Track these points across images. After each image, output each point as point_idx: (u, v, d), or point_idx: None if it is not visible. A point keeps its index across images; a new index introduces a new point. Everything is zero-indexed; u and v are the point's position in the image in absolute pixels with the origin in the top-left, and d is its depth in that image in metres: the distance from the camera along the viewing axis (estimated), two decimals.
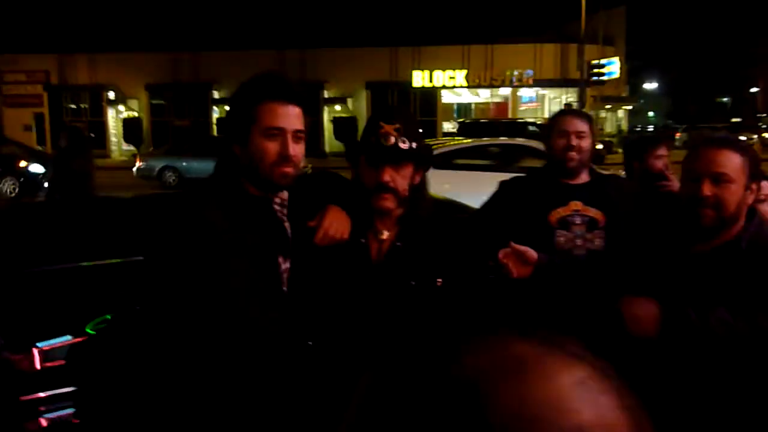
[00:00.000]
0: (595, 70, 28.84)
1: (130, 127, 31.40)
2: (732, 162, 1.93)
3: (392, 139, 1.95)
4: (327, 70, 30.80)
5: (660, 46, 46.95)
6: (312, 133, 1.99)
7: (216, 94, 32.49)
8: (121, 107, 32.62)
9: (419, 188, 2.06)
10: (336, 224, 1.97)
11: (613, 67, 30.11)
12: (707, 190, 1.92)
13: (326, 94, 31.19)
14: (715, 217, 1.94)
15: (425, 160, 2.05)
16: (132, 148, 31.02)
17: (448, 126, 31.45)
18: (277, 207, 1.93)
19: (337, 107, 31.67)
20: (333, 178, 2.25)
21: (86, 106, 32.57)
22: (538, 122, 23.82)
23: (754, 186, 1.97)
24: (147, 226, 2.96)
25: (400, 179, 1.98)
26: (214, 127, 31.72)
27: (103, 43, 31.27)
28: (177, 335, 1.83)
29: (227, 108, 1.98)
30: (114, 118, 32.67)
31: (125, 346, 2.81)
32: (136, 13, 34.04)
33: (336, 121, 30.26)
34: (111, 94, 32.20)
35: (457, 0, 36.79)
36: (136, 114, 32.44)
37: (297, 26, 31.27)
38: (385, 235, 2.05)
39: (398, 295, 2.00)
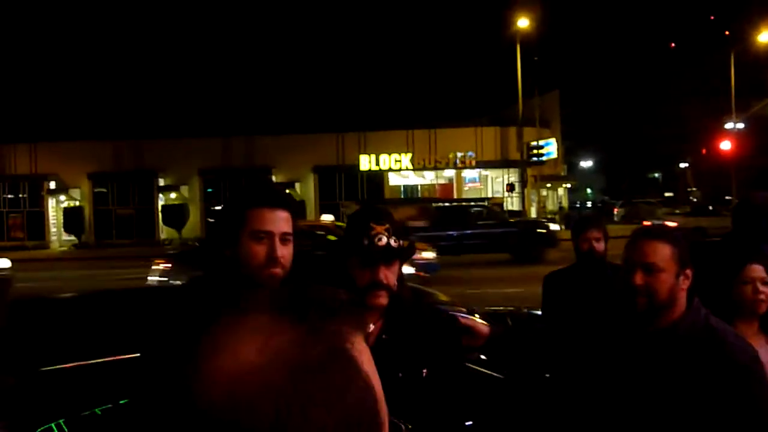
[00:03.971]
0: (534, 151, 30.03)
1: (71, 216, 30.70)
2: (662, 252, 2.04)
3: (384, 240, 2.04)
4: (274, 156, 31.09)
5: (593, 126, 49.38)
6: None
7: (161, 182, 32.23)
8: (62, 197, 31.95)
9: (401, 280, 2.14)
10: None
11: (550, 148, 31.43)
12: (639, 279, 2.03)
13: (275, 179, 31.35)
14: (647, 303, 2.03)
15: (409, 255, 2.15)
16: (73, 237, 30.20)
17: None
18: None
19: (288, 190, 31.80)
20: (318, 275, 2.28)
21: (25, 195, 31.78)
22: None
23: (688, 271, 2.06)
24: (133, 326, 2.87)
25: (391, 276, 2.07)
26: (159, 215, 31.29)
27: (45, 132, 30.91)
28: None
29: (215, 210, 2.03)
30: (54, 207, 31.91)
31: None
32: (79, 101, 33.95)
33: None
34: (52, 184, 31.56)
35: (400, 86, 38.12)
36: (77, 203, 31.78)
37: (242, 113, 31.71)
38: (371, 328, 2.11)
39: (386, 387, 2.01)
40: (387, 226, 2.07)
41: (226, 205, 2.01)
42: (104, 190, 32.30)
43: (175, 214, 30.08)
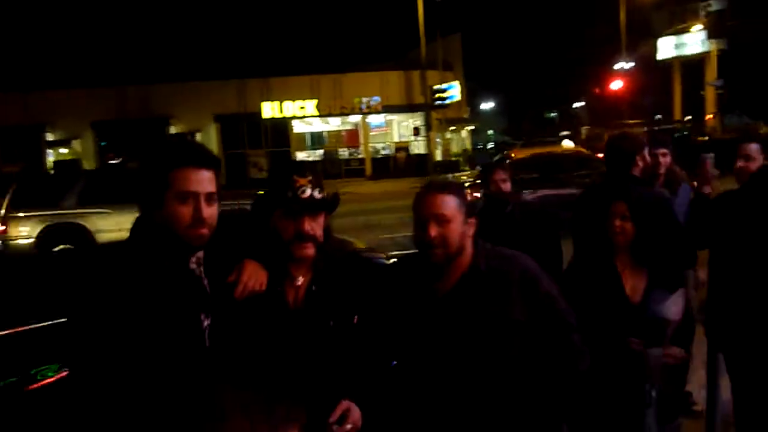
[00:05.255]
0: (438, 95, 30.32)
1: None
2: (449, 204, 2.18)
3: (308, 191, 2.09)
4: (173, 106, 29.84)
5: (493, 68, 50.33)
6: None
7: (50, 136, 30.30)
8: None
9: (327, 232, 2.18)
10: (254, 277, 2.06)
11: (453, 91, 31.81)
12: (433, 231, 2.16)
13: (174, 129, 30.14)
14: (442, 254, 2.17)
15: (334, 206, 2.18)
16: None
17: (302, 155, 31.54)
18: (193, 266, 1.99)
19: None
20: (243, 229, 2.30)
21: None
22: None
23: (471, 220, 2.24)
24: (60, 289, 2.77)
25: (317, 227, 2.12)
26: (50, 171, 29.50)
27: None
28: (103, 398, 1.82)
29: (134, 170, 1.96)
30: None
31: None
32: None
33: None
34: None
35: (304, 32, 37.18)
36: None
37: (138, 62, 30.01)
38: (300, 280, 2.16)
39: (318, 336, 2.11)
40: (310, 177, 2.11)
41: (146, 164, 1.94)
42: None
43: (68, 171, 28.48)
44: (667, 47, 36.08)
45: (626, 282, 2.81)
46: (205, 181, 1.90)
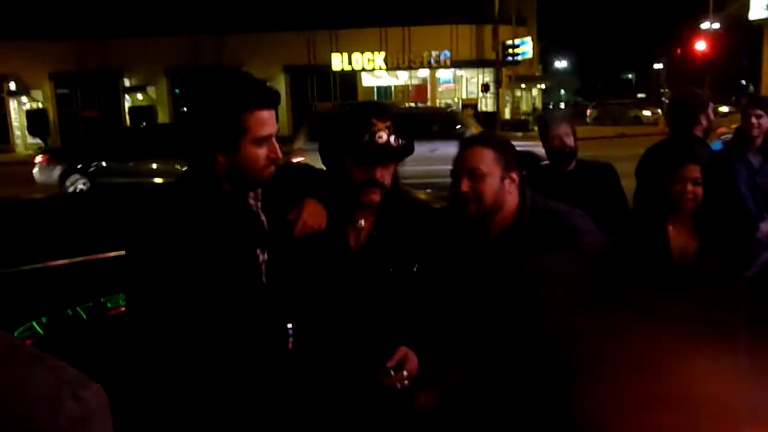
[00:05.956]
0: (510, 51, 29.53)
1: (34, 119, 29.72)
2: (485, 158, 2.10)
3: (384, 137, 1.99)
4: (243, 56, 30.14)
5: (568, 26, 48.58)
6: None
7: (127, 82, 31.20)
8: (24, 98, 30.82)
9: (395, 178, 2.12)
10: (314, 215, 2.03)
11: (526, 47, 30.89)
12: (465, 186, 2.09)
13: None
14: (476, 209, 2.10)
15: (407, 154, 2.10)
16: (39, 141, 29.42)
17: None
18: (251, 201, 1.98)
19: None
20: (305, 171, 2.28)
21: None
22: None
23: (513, 175, 2.13)
24: (117, 225, 2.88)
25: (387, 175, 2.05)
26: (127, 117, 30.49)
27: (2, 31, 29.37)
28: (161, 333, 1.84)
29: (197, 114, 1.91)
30: (16, 110, 30.85)
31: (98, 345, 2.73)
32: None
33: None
34: (12, 85, 30.36)
35: None
36: (40, 105, 30.74)
37: (211, 11, 30.31)
38: (363, 224, 2.11)
39: (377, 281, 2.08)
40: (389, 123, 2.01)
41: (216, 106, 1.85)
42: (67, 91, 31.20)
43: (143, 116, 29.39)
44: (761, 6, 33.83)
45: (674, 248, 2.66)
46: (274, 120, 1.90)
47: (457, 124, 12.93)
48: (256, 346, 1.92)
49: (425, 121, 12.60)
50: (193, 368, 1.86)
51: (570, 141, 3.60)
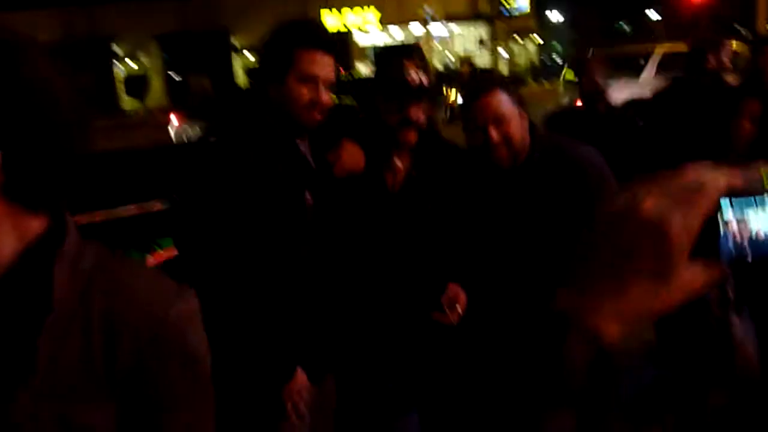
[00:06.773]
0: (505, 2, 29.11)
1: (132, 83, 29.59)
2: (502, 101, 2.06)
3: (416, 77, 2.06)
4: (233, 18, 29.64)
5: None
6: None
7: (117, 49, 30.71)
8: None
9: (431, 119, 2.19)
10: (352, 156, 2.09)
11: (521, 1, 30.44)
12: (495, 135, 2.03)
13: (235, 42, 30.03)
14: (509, 155, 2.08)
15: (438, 91, 2.12)
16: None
17: (364, 68, 31.06)
18: (301, 148, 2.03)
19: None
20: (345, 112, 2.30)
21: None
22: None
23: (523, 113, 2.12)
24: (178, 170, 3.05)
25: (421, 114, 2.09)
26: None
27: None
28: (214, 272, 1.87)
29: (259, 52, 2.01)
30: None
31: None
32: None
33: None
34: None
35: None
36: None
37: None
38: (400, 165, 2.16)
39: (416, 221, 2.15)
40: (418, 62, 2.12)
41: (273, 40, 1.94)
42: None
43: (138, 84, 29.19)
44: None
45: None
46: (327, 66, 1.91)
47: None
48: (302, 287, 1.96)
49: None
50: (241, 308, 1.89)
51: (603, 83, 3.84)
